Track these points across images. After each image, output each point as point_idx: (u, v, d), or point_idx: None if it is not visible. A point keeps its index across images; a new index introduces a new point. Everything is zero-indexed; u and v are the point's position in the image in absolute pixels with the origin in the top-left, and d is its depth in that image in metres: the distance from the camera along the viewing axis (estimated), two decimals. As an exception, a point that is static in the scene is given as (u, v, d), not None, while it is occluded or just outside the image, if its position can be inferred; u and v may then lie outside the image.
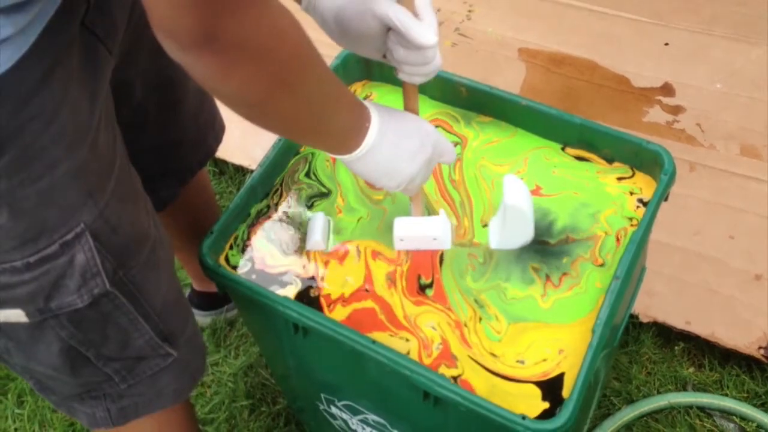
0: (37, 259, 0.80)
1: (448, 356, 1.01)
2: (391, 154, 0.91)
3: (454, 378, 0.98)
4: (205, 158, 1.32)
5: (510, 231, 1.07)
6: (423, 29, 0.84)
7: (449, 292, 1.05)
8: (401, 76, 0.92)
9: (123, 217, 0.87)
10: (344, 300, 1.06)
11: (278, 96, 0.75)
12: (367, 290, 1.07)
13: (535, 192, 1.13)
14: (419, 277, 1.07)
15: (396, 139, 0.91)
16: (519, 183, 1.05)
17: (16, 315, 0.84)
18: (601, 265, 1.06)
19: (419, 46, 0.85)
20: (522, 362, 0.99)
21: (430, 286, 1.06)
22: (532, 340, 1.01)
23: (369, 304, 1.05)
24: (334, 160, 1.18)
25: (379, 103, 0.93)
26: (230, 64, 0.67)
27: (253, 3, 0.65)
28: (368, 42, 0.90)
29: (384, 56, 0.92)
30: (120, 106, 0.93)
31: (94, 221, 0.83)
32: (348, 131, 0.88)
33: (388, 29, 0.87)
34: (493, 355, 1.00)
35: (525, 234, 1.07)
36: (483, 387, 0.98)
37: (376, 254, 1.09)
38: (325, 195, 1.16)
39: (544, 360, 0.99)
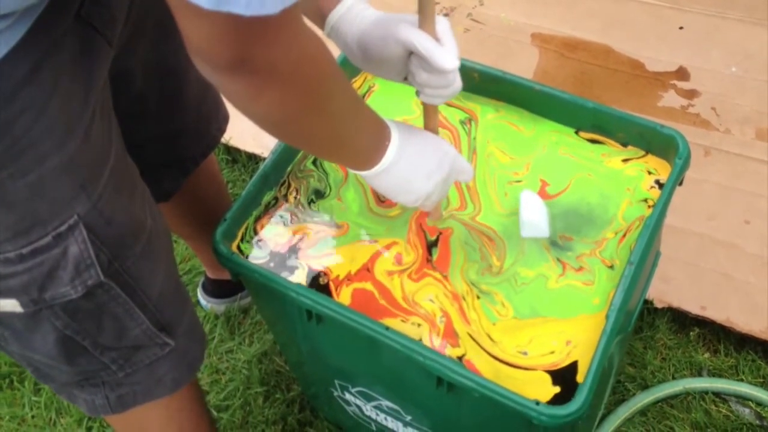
0: (30, 251, 0.81)
1: (451, 333, 1.01)
2: (409, 172, 0.94)
3: (459, 358, 0.99)
4: (207, 149, 1.31)
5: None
6: (445, 54, 0.87)
7: (453, 254, 1.07)
8: (423, 98, 0.95)
9: (118, 209, 0.87)
10: (349, 278, 1.07)
11: (304, 117, 0.77)
12: (368, 270, 1.07)
13: (545, 185, 1.13)
14: (425, 235, 1.09)
15: (414, 158, 0.93)
16: (535, 199, 1.08)
17: (10, 305, 0.84)
18: (611, 267, 1.05)
19: (441, 70, 0.88)
20: (525, 353, 0.99)
21: (435, 244, 1.09)
22: (532, 335, 1.01)
23: (368, 286, 1.06)
24: (346, 173, 1.19)
25: (402, 122, 0.95)
26: (260, 87, 0.69)
27: (284, 30, 0.66)
28: (390, 66, 0.93)
29: (405, 78, 0.95)
30: (120, 96, 0.94)
31: (88, 213, 0.83)
32: (368, 149, 0.91)
33: (410, 53, 0.90)
34: (491, 339, 1.00)
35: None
36: (488, 371, 0.98)
37: (399, 257, 1.09)
38: (325, 194, 1.16)
39: (552, 352, 0.99)
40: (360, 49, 0.94)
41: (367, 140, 0.90)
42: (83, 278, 0.85)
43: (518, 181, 1.14)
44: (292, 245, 1.11)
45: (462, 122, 1.21)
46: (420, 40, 0.87)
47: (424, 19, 0.88)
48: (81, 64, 0.80)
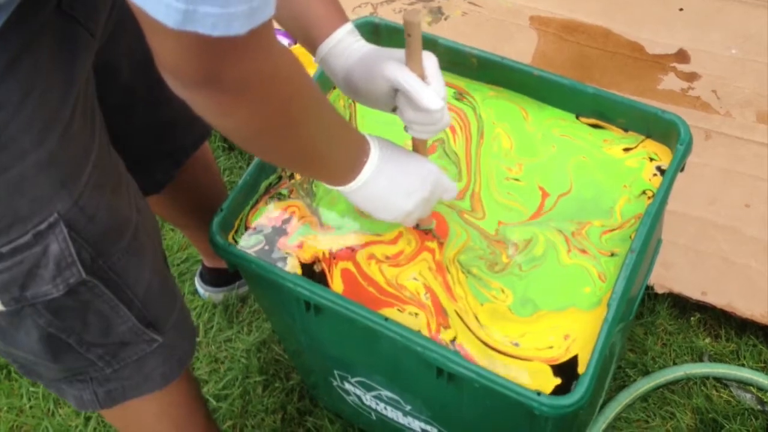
0: (10, 249, 0.79)
1: (440, 311, 1.00)
2: (388, 189, 0.93)
3: (452, 341, 0.98)
4: (200, 139, 1.30)
5: None
6: (430, 94, 0.87)
7: (452, 230, 1.07)
8: (410, 133, 0.95)
9: (101, 205, 0.85)
10: (333, 256, 1.06)
11: (276, 134, 0.77)
12: (352, 250, 1.07)
13: (544, 193, 1.11)
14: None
15: (395, 175, 0.93)
16: None
17: None
18: (612, 255, 1.04)
19: (426, 110, 0.88)
20: (516, 344, 0.98)
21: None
22: (524, 330, 0.99)
23: (350, 266, 1.05)
24: None
25: (385, 138, 0.95)
26: (231, 104, 0.68)
27: (253, 49, 0.64)
28: (378, 100, 0.94)
29: (393, 110, 0.95)
30: (106, 87, 0.92)
31: (69, 210, 0.81)
32: (344, 166, 0.90)
33: (397, 90, 0.90)
34: (478, 320, 1.00)
35: None
36: (481, 358, 0.97)
37: (400, 253, 1.08)
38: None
39: (550, 347, 0.97)
40: (347, 84, 0.94)
41: (342, 157, 0.89)
42: (65, 276, 0.83)
43: (516, 180, 1.12)
44: (285, 219, 1.10)
45: (456, 98, 1.20)
46: (406, 79, 0.87)
47: (411, 57, 0.88)
48: (62, 57, 0.78)
